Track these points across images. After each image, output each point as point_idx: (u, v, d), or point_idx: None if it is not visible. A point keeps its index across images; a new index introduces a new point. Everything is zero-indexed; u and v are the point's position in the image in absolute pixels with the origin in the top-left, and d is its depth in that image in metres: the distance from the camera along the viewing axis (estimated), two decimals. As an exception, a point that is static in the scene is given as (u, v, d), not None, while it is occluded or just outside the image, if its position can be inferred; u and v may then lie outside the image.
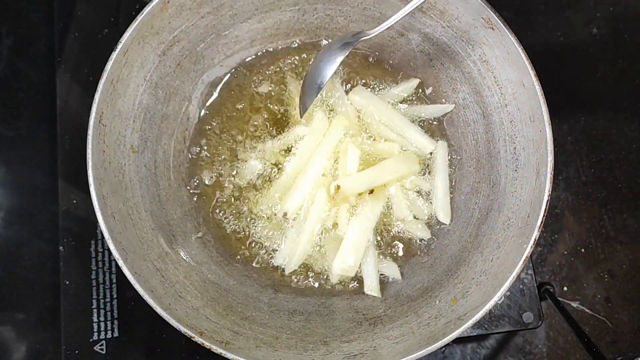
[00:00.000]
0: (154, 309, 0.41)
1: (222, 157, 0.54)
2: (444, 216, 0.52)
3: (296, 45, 0.56)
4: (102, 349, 0.53)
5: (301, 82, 0.54)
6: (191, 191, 0.53)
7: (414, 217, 0.53)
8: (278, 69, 0.56)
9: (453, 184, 0.54)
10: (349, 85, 0.56)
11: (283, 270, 0.52)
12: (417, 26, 0.52)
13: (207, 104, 0.55)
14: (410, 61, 0.55)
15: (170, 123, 0.52)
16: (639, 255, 0.58)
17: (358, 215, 0.50)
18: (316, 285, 0.52)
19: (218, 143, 0.54)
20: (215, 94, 0.55)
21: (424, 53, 0.54)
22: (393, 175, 0.51)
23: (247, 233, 0.52)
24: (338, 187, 0.49)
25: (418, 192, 0.54)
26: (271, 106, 0.55)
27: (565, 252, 0.58)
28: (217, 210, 0.53)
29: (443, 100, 0.55)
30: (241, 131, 0.54)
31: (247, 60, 0.55)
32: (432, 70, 0.55)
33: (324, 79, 0.47)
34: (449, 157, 0.54)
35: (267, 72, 0.56)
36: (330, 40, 0.56)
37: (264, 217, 0.52)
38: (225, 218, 0.53)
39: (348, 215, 0.51)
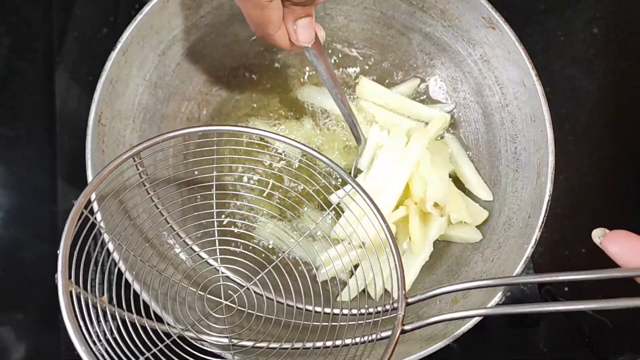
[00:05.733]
0: (154, 309, 0.41)
1: (223, 156, 0.53)
2: (486, 194, 0.50)
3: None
4: (101, 351, 0.53)
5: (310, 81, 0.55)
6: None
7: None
8: (279, 68, 0.56)
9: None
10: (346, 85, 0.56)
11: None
12: (417, 25, 0.52)
13: (207, 103, 0.55)
14: (411, 60, 0.55)
15: (170, 123, 0.52)
16: None
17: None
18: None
19: (218, 143, 0.54)
20: (216, 94, 0.55)
21: (424, 52, 0.54)
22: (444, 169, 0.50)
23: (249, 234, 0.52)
24: (437, 204, 0.47)
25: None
26: (272, 106, 0.55)
27: (566, 252, 0.58)
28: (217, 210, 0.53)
29: (444, 100, 0.55)
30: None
31: (247, 60, 0.55)
32: (432, 70, 0.55)
33: None
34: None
35: (267, 71, 0.56)
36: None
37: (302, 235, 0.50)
38: (226, 221, 0.52)
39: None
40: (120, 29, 0.45)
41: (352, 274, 0.49)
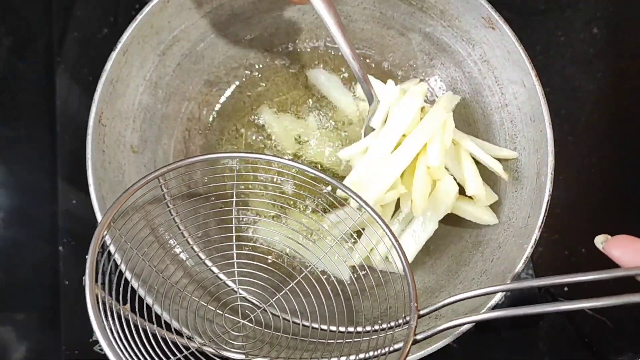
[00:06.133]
0: (154, 309, 0.41)
1: (241, 182, 0.53)
2: (509, 153, 0.49)
3: (296, 45, 0.56)
4: (102, 349, 0.53)
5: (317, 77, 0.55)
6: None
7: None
8: (279, 67, 0.56)
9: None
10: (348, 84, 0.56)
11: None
12: (417, 26, 0.52)
13: (207, 104, 0.55)
14: (411, 61, 0.55)
15: (170, 123, 0.52)
16: (639, 255, 0.58)
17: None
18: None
19: (218, 143, 0.54)
20: (216, 94, 0.55)
21: (424, 53, 0.54)
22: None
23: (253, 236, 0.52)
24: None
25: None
26: (274, 105, 0.55)
27: (566, 252, 0.58)
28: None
29: (443, 100, 0.55)
30: (240, 131, 0.54)
31: (247, 60, 0.55)
32: (432, 70, 0.55)
33: None
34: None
35: (268, 70, 0.56)
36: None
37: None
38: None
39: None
40: (120, 29, 0.45)
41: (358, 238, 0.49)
